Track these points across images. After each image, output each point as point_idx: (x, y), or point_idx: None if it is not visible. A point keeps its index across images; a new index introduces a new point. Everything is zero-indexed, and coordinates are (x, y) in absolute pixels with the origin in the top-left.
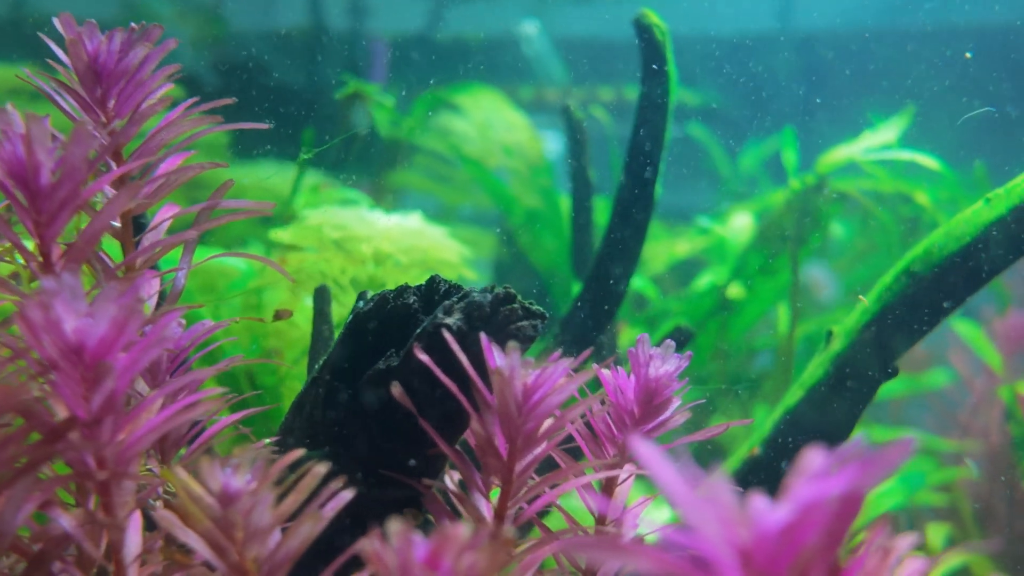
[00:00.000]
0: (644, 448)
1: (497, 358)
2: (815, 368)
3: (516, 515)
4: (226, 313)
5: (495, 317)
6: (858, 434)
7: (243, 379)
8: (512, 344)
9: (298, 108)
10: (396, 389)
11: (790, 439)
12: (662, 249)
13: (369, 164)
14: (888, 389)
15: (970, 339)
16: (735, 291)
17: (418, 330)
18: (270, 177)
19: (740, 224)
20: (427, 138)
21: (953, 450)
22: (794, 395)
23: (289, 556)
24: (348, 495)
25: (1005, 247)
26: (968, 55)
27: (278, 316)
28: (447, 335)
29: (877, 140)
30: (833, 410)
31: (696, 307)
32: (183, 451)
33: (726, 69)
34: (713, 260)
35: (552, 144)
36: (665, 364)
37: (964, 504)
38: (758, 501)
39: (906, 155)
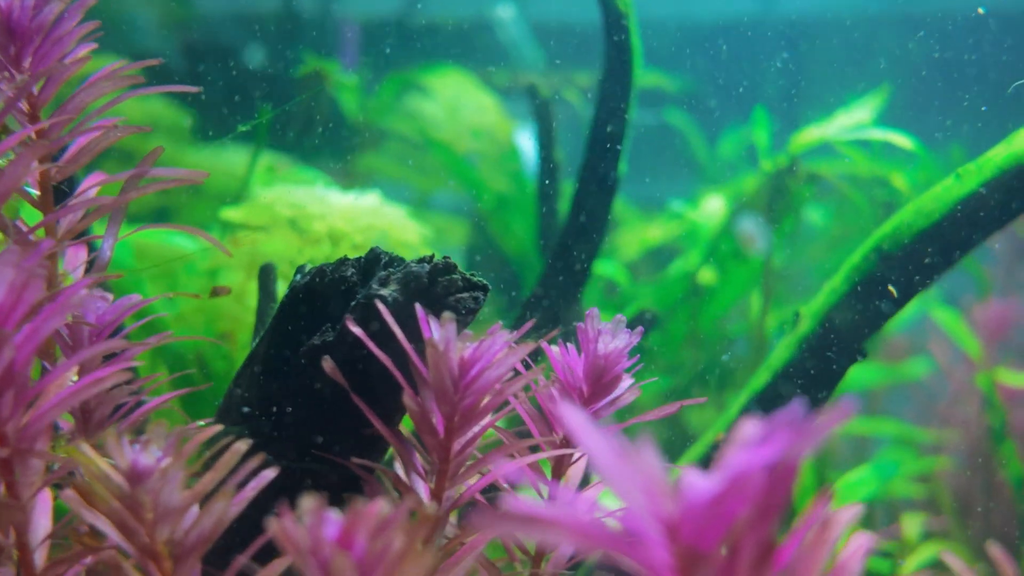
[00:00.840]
0: (572, 417)
1: (434, 330)
2: (782, 351)
3: (457, 497)
4: (180, 297)
5: (434, 288)
6: (795, 400)
7: (193, 364)
8: (447, 315)
9: (265, 91)
10: (328, 364)
11: None
12: (636, 236)
13: (337, 148)
14: (867, 379)
15: (949, 327)
16: (707, 277)
17: (353, 302)
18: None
19: (712, 208)
20: (396, 121)
21: (932, 441)
22: (761, 378)
23: (203, 538)
24: (271, 474)
25: (977, 224)
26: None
27: (215, 292)
28: (381, 307)
29: (851, 119)
30: (801, 393)
31: (667, 293)
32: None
33: (707, 54)
34: (688, 247)
35: (528, 131)
36: (615, 340)
37: (943, 495)
38: (689, 473)
39: (879, 134)
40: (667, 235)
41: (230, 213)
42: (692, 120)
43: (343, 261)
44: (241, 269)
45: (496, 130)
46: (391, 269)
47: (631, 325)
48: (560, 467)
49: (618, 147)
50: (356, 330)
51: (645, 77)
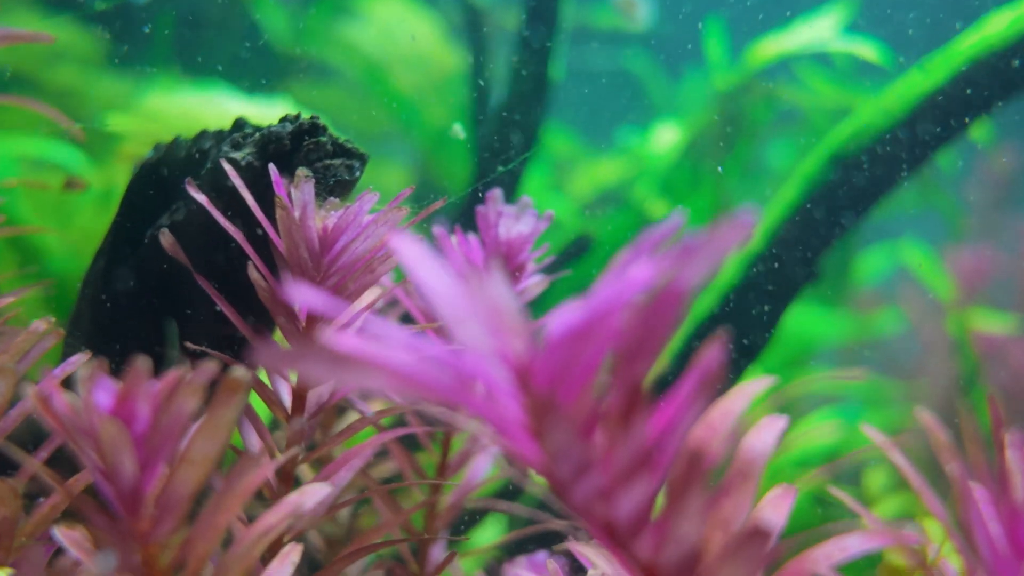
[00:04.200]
0: (403, 245)
1: (294, 196)
2: (729, 270)
3: (327, 400)
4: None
5: (297, 153)
6: (675, 210)
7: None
8: (302, 171)
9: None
10: (166, 239)
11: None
12: (588, 174)
13: (265, 77)
14: (837, 333)
15: (918, 267)
16: (659, 209)
17: (203, 170)
18: None
19: (665, 139)
20: (328, 50)
21: (902, 394)
22: (706, 301)
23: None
24: (81, 358)
25: (944, 121)
26: None
27: (69, 185)
28: (232, 171)
29: (813, 32)
30: (750, 316)
31: (617, 228)
32: None
33: None
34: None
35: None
36: (519, 225)
37: (911, 448)
38: (553, 313)
39: (843, 45)
40: (622, 173)
41: (116, 120)
42: (656, 61)
43: (202, 133)
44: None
45: (434, 58)
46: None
47: (567, 249)
48: None
49: (547, 45)
50: (199, 197)
51: (605, 18)
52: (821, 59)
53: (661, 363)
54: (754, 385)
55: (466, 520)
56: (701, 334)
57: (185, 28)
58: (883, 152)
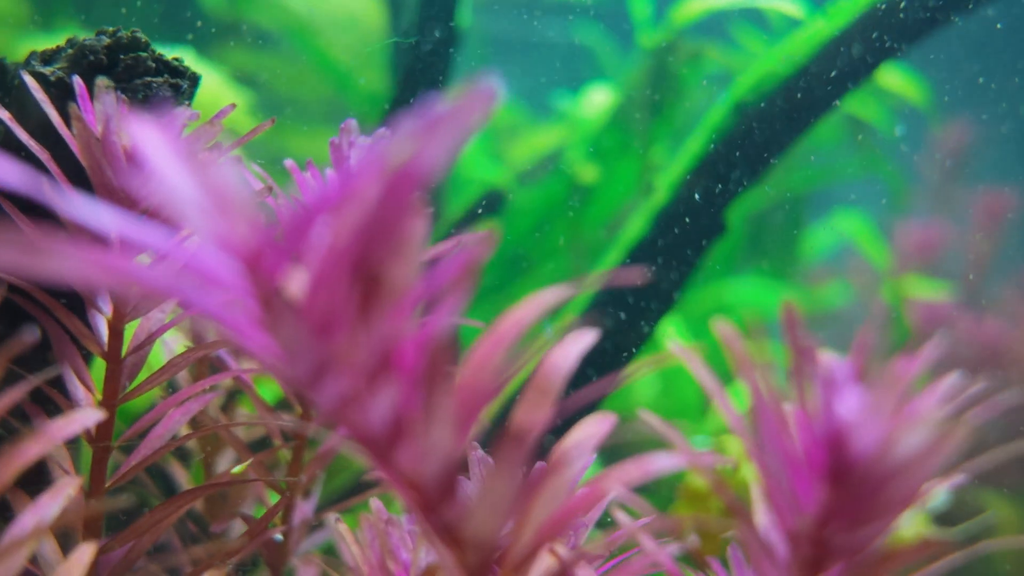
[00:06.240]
0: (138, 123)
1: (97, 109)
2: (634, 225)
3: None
4: None
5: (115, 69)
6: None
7: None
8: (103, 82)
9: None
10: None
11: (609, 309)
12: (528, 143)
13: (198, 44)
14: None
15: (855, 234)
16: (589, 175)
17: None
18: None
19: (597, 101)
20: (261, 14)
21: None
22: (611, 258)
23: None
24: None
25: (849, 67)
26: None
27: None
28: (33, 84)
29: None
30: (657, 273)
31: (545, 194)
32: None
33: None
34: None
35: None
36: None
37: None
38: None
39: (770, 3)
40: (560, 140)
41: None
42: (607, 31)
43: (32, 53)
44: None
45: (368, 20)
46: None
47: (478, 204)
48: None
49: (449, 12)
50: (3, 114)
51: None
52: (757, 21)
53: (568, 311)
54: (549, 295)
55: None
56: (608, 291)
57: None
58: (787, 100)
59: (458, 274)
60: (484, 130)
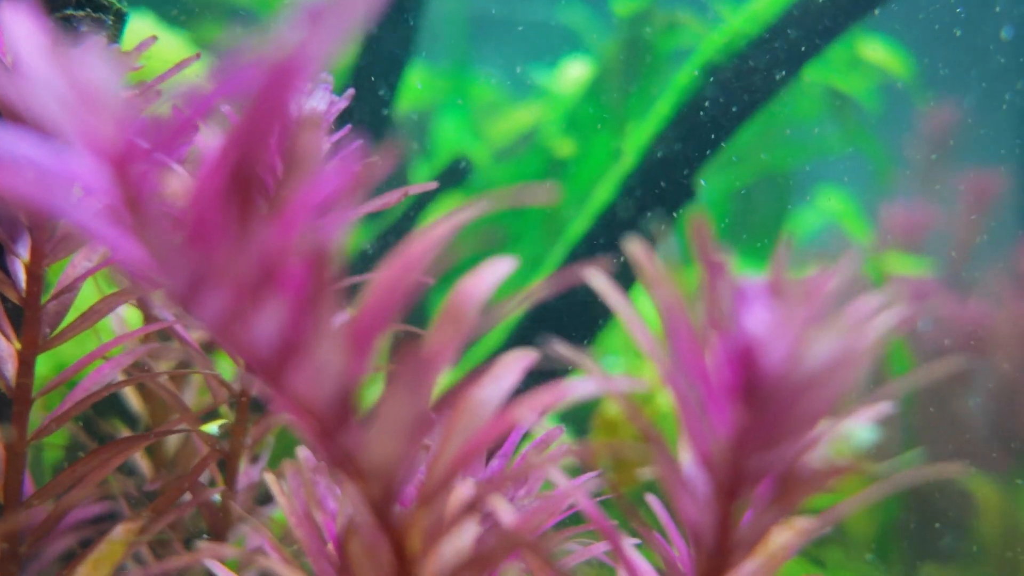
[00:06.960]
0: (10, 12)
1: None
2: (602, 191)
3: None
4: None
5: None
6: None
7: None
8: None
9: None
10: None
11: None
12: (507, 120)
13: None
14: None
15: (836, 212)
16: (565, 149)
17: None
18: None
19: (574, 74)
20: None
21: None
22: (580, 225)
23: None
24: None
25: (816, 26)
26: None
27: None
28: None
29: None
30: (626, 239)
31: (522, 168)
32: None
33: None
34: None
35: None
36: (312, 101)
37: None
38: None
39: None
40: (539, 116)
41: None
42: (592, 9)
43: None
44: None
45: None
46: None
47: (446, 172)
48: None
49: None
50: None
51: None
52: None
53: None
54: (469, 210)
55: None
56: (576, 255)
57: None
58: (755, 60)
59: (346, 185)
60: (464, 108)
